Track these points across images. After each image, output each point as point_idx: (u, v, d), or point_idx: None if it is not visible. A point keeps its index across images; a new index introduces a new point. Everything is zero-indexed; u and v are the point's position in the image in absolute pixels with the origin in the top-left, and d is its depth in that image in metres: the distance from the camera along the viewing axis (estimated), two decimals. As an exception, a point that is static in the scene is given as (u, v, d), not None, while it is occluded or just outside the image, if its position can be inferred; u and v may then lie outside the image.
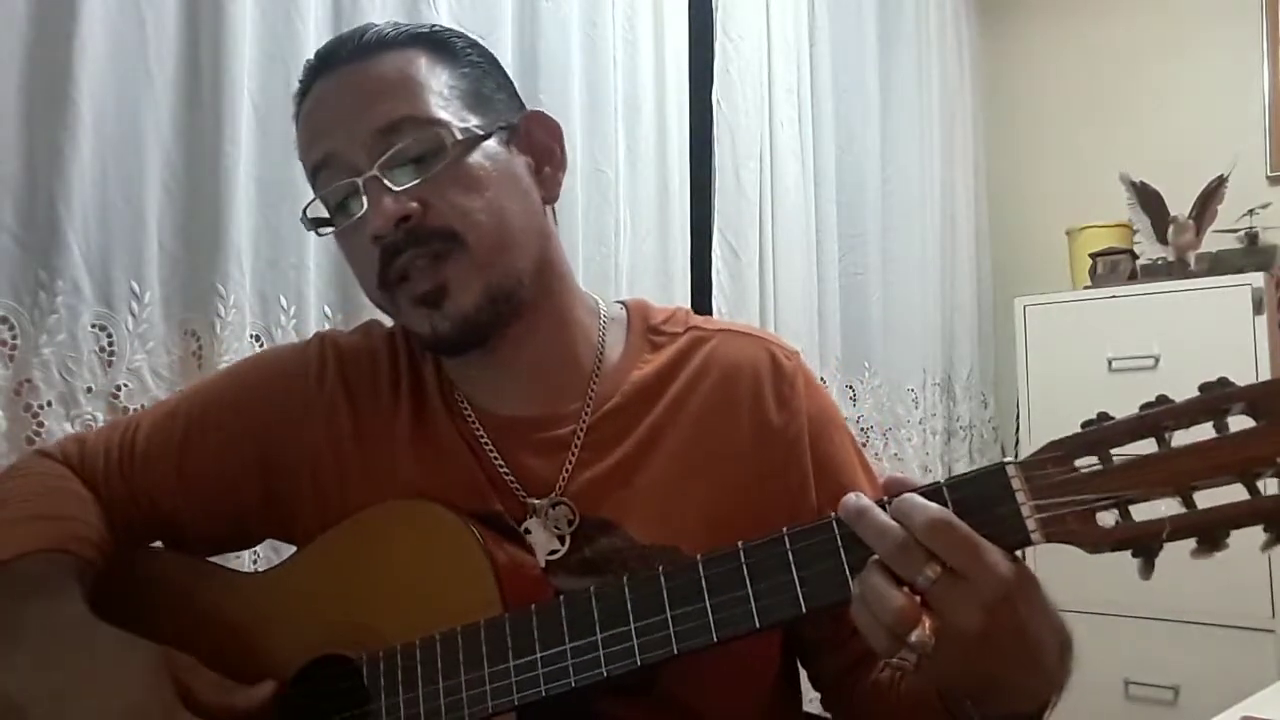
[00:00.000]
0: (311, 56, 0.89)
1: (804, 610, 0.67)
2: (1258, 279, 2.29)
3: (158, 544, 0.95)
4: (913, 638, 0.60)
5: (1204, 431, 0.63)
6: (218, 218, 1.34)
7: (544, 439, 0.87)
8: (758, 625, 0.68)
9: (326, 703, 0.81)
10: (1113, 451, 0.64)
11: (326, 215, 0.86)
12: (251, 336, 1.39)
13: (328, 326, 1.46)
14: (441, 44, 0.86)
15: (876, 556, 0.63)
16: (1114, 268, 2.57)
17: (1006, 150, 3.16)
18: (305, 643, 0.81)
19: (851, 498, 0.66)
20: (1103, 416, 0.65)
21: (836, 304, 2.48)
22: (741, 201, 2.22)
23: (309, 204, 0.87)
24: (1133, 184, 2.57)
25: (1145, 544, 0.62)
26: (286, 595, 0.85)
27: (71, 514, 0.85)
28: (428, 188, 0.80)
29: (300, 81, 0.89)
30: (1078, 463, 0.64)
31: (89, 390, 1.22)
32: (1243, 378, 0.65)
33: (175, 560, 0.92)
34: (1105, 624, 2.34)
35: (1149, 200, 2.55)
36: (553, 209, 0.91)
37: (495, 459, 0.87)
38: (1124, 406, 0.67)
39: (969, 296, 3.00)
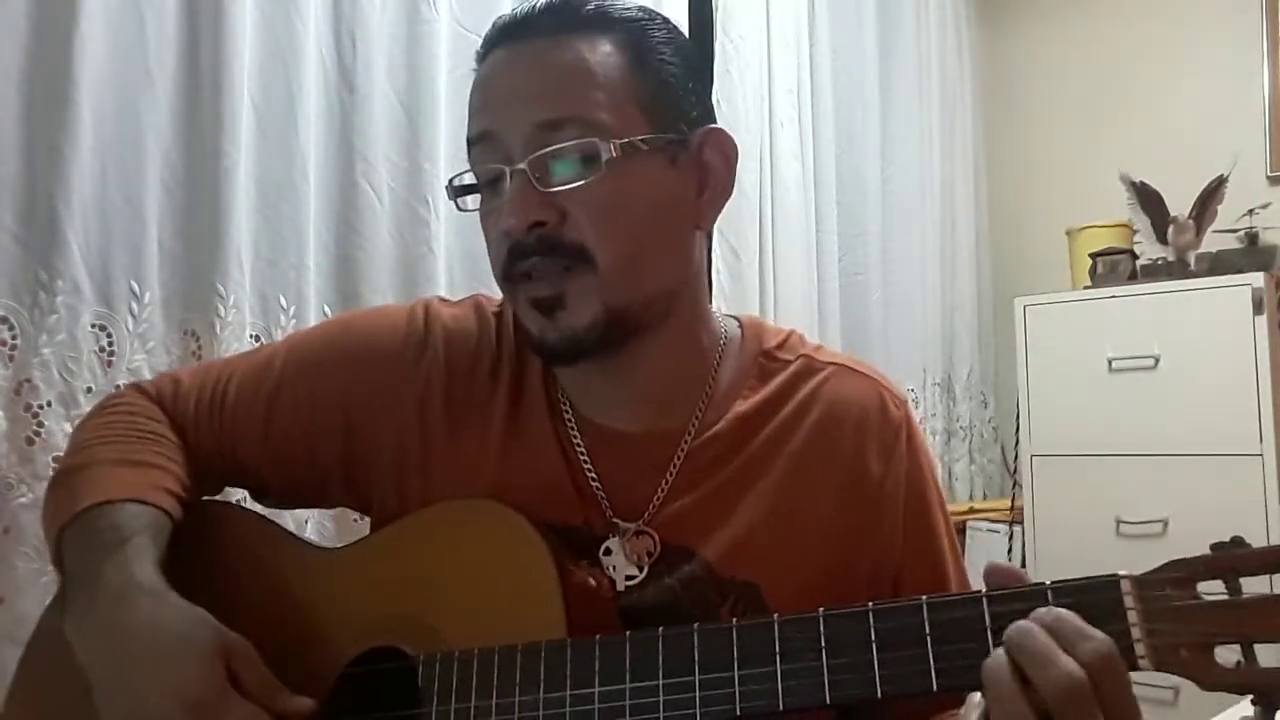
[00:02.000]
0: (503, 14, 0.83)
1: (879, 695, 0.64)
2: (1258, 279, 2.29)
3: (240, 491, 0.95)
4: None
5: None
6: (218, 218, 1.34)
7: (642, 458, 0.84)
8: (828, 700, 0.65)
9: (378, 695, 0.80)
10: (1242, 581, 0.59)
11: (472, 184, 0.83)
12: (251, 336, 1.40)
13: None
14: (638, 35, 0.81)
15: (1016, 668, 0.59)
16: (1114, 268, 2.56)
17: (1006, 150, 3.16)
18: (364, 628, 0.80)
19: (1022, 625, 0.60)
20: (1237, 541, 0.60)
21: (836, 304, 2.49)
22: (741, 201, 2.22)
23: (459, 173, 0.83)
24: (1133, 184, 2.56)
25: (1269, 694, 0.58)
26: (353, 577, 0.84)
27: (158, 462, 0.85)
28: (573, 197, 0.77)
29: (485, 39, 0.83)
30: (1200, 587, 0.59)
31: (89, 390, 1.22)
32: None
33: (248, 522, 0.91)
34: (1105, 624, 2.33)
35: (1149, 200, 2.55)
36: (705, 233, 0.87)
37: (588, 469, 0.84)
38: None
39: (969, 296, 3.00)
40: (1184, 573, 0.60)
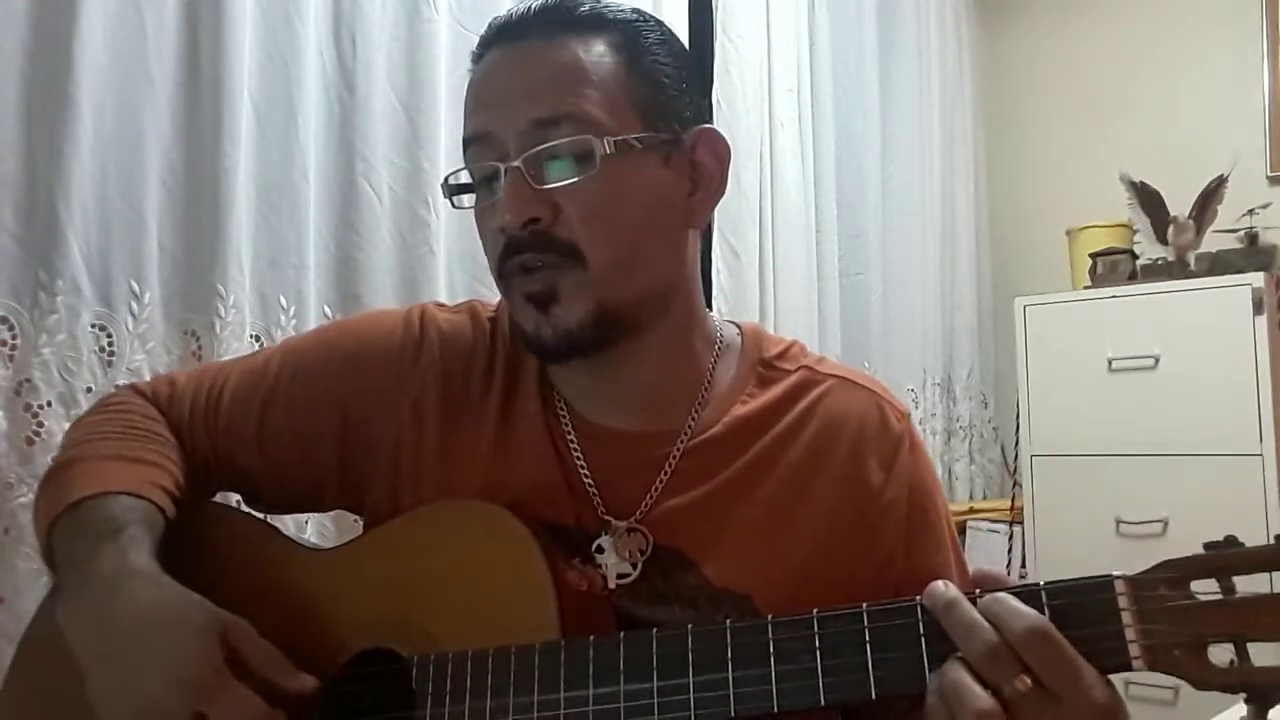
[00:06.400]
0: (499, 15, 0.84)
1: (873, 696, 0.64)
2: (1258, 279, 2.29)
3: (234, 495, 0.95)
4: None
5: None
6: (218, 218, 1.34)
7: (636, 457, 0.84)
8: (822, 701, 0.65)
9: (373, 698, 0.80)
10: (1236, 580, 0.59)
11: (467, 183, 0.84)
12: (251, 336, 1.40)
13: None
14: (633, 36, 0.82)
15: (961, 653, 0.60)
16: (1114, 268, 2.57)
17: (1006, 150, 3.16)
18: (358, 630, 0.80)
19: (939, 586, 0.63)
20: (1230, 541, 0.59)
21: (836, 304, 2.49)
22: (741, 201, 2.22)
23: (454, 171, 0.85)
24: (1133, 184, 2.56)
25: (1263, 693, 0.57)
26: (346, 577, 0.84)
27: (153, 459, 0.85)
28: (567, 194, 0.77)
29: (480, 40, 0.84)
30: (1194, 586, 0.59)
31: (89, 390, 1.22)
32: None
33: (242, 522, 0.91)
34: (1105, 624, 2.33)
35: (1149, 200, 2.55)
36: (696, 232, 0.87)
37: (582, 467, 0.85)
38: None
39: (969, 296, 3.00)
40: (1178, 573, 0.59)
